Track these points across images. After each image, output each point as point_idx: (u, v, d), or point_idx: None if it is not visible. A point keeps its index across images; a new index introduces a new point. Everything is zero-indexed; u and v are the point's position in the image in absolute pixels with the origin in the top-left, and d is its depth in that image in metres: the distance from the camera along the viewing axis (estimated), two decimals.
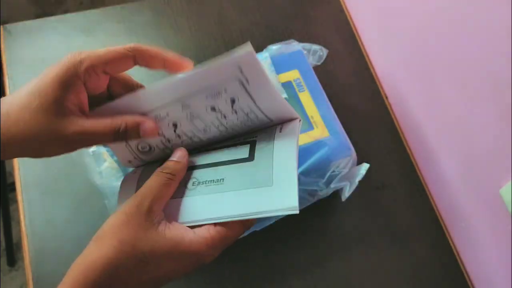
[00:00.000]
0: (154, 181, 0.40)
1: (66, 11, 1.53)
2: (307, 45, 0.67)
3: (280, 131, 0.43)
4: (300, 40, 0.68)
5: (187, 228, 0.39)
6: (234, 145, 0.44)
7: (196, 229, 0.39)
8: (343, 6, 0.84)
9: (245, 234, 0.45)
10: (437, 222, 0.70)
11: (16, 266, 1.30)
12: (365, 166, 0.59)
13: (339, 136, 0.60)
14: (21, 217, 0.62)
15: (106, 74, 0.41)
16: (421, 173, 0.73)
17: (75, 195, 0.64)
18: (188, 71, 0.40)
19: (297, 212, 0.38)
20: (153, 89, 0.42)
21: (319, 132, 0.59)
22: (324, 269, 0.64)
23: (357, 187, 0.59)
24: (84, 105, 0.40)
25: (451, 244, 0.69)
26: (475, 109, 0.58)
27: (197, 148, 0.46)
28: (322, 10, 0.83)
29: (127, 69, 0.42)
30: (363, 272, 0.65)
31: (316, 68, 0.65)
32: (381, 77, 0.79)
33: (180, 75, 0.40)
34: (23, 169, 0.65)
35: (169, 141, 0.44)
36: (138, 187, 0.45)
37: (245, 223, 0.40)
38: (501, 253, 0.60)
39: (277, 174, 0.40)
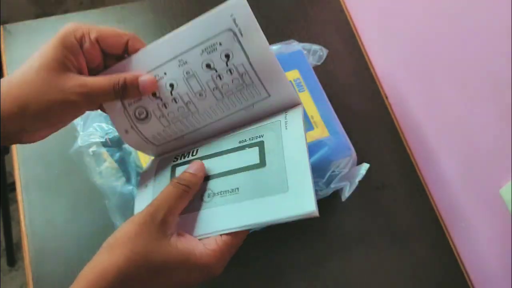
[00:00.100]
0: (169, 192, 0.40)
1: (66, 11, 1.53)
2: (307, 45, 0.67)
3: (286, 128, 0.43)
4: (300, 40, 0.68)
5: (197, 240, 0.40)
6: (242, 147, 0.44)
7: (205, 241, 0.40)
8: (343, 6, 0.84)
9: None
10: (437, 222, 0.70)
11: (16, 266, 1.30)
12: (365, 166, 0.59)
13: (339, 136, 0.60)
14: (21, 217, 0.62)
15: (99, 45, 0.42)
16: (421, 173, 0.73)
17: (75, 195, 0.64)
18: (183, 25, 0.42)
19: (317, 215, 0.38)
20: (151, 47, 0.43)
21: (319, 132, 0.59)
22: (324, 269, 0.64)
23: (357, 187, 0.59)
24: (83, 69, 0.41)
25: (451, 244, 0.69)
26: (475, 109, 0.58)
27: (197, 131, 0.46)
28: (322, 10, 0.83)
29: (118, 49, 0.43)
30: (363, 272, 0.65)
31: (316, 68, 0.65)
32: (381, 77, 0.80)
33: (175, 30, 0.42)
34: (23, 169, 0.65)
35: (165, 106, 0.44)
36: (155, 192, 0.45)
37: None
38: (501, 253, 0.60)
39: (291, 178, 0.40)
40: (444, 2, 0.60)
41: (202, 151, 0.46)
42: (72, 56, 0.40)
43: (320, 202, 0.62)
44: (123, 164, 0.57)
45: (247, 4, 0.39)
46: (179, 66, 0.43)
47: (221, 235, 0.40)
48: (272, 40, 0.69)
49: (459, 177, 0.66)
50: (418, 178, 0.72)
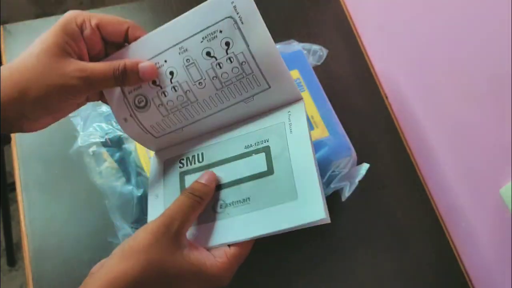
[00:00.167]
0: (183, 202, 0.40)
1: (66, 11, 1.53)
2: (307, 45, 0.67)
3: (291, 132, 0.43)
4: (300, 40, 0.68)
5: (208, 252, 0.40)
6: (249, 153, 0.44)
7: (215, 253, 0.40)
8: (343, 6, 0.84)
9: None
10: (437, 222, 0.70)
11: (16, 266, 1.30)
12: (365, 166, 0.59)
13: (339, 136, 0.60)
14: (21, 217, 0.62)
15: (99, 32, 0.42)
16: (421, 173, 0.73)
17: (75, 195, 0.64)
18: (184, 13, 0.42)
19: (329, 221, 0.39)
20: (151, 35, 0.43)
21: (319, 132, 0.59)
22: (324, 269, 0.64)
23: (357, 187, 0.59)
24: (84, 55, 0.42)
25: (451, 244, 0.69)
26: (475, 109, 0.58)
27: (196, 123, 0.46)
28: (322, 10, 0.83)
29: (118, 37, 0.43)
30: (363, 272, 0.65)
31: (316, 68, 0.65)
32: (381, 77, 0.79)
33: (176, 18, 0.42)
34: (23, 169, 0.65)
35: (164, 94, 0.44)
36: (165, 201, 0.45)
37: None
38: (501, 253, 0.60)
39: (300, 186, 0.41)
40: (444, 2, 0.60)
41: (208, 157, 0.46)
42: (73, 42, 0.40)
43: None
44: (123, 164, 0.57)
45: None
46: (179, 53, 0.43)
47: (229, 245, 0.41)
48: None
49: (459, 177, 0.66)
50: (418, 178, 0.72)
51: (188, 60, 0.43)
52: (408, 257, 0.66)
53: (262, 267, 0.62)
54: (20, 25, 0.74)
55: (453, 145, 0.66)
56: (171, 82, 0.43)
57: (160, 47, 0.43)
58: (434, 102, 0.67)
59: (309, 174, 0.41)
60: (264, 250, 0.63)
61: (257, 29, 0.41)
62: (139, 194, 0.55)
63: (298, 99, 0.44)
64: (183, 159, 0.47)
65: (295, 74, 0.63)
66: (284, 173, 0.42)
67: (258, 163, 0.43)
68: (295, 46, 0.66)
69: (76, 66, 0.39)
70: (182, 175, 0.46)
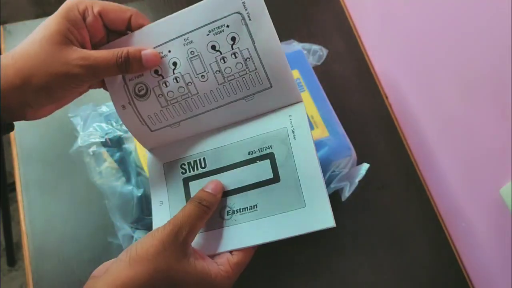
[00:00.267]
0: (191, 211, 0.40)
1: None
2: (307, 45, 0.67)
3: (295, 138, 0.43)
4: (300, 40, 0.68)
5: (212, 260, 0.41)
6: (253, 160, 0.44)
7: (218, 261, 0.41)
8: (343, 6, 0.84)
9: None
10: (437, 222, 0.70)
11: (16, 266, 1.30)
12: (365, 166, 0.59)
13: (339, 136, 0.60)
14: (21, 217, 0.62)
15: (102, 20, 0.42)
16: (421, 173, 0.73)
17: (75, 195, 0.64)
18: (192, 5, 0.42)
19: (334, 226, 0.40)
20: (156, 24, 0.43)
21: (319, 132, 0.59)
22: (324, 269, 0.64)
23: (357, 187, 0.59)
24: (87, 43, 0.41)
25: (451, 244, 0.69)
26: (475, 109, 0.58)
27: (195, 119, 0.45)
28: (322, 10, 0.83)
29: (121, 25, 0.43)
30: (363, 272, 0.65)
31: (316, 68, 0.65)
32: (381, 77, 0.80)
33: (184, 9, 0.42)
34: (23, 169, 0.65)
35: (166, 84, 0.44)
36: (171, 207, 0.45)
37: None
38: (501, 253, 0.60)
39: (307, 193, 0.41)
40: (444, 2, 0.60)
41: (210, 162, 0.46)
42: (75, 29, 0.40)
43: None
44: (123, 164, 0.57)
45: None
46: (184, 45, 0.43)
47: (231, 253, 0.42)
48: None
49: (459, 177, 0.66)
50: (418, 178, 0.72)
51: (192, 52, 0.43)
52: (408, 256, 0.66)
53: (261, 267, 0.62)
54: (20, 25, 0.74)
55: (453, 145, 0.66)
56: (174, 73, 0.43)
57: (165, 36, 0.43)
58: (434, 102, 0.67)
59: (316, 182, 0.41)
60: (264, 250, 0.63)
61: (264, 27, 0.41)
62: (139, 194, 0.55)
63: (298, 101, 0.44)
64: (184, 164, 0.46)
65: (295, 74, 0.63)
66: (290, 181, 0.42)
67: (263, 170, 0.44)
68: (295, 46, 0.66)
69: (79, 54, 0.39)
70: (186, 181, 0.46)
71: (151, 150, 0.48)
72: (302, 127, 0.43)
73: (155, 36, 0.43)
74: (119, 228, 0.56)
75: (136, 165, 0.57)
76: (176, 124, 0.46)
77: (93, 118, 0.59)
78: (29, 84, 0.38)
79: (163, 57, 0.43)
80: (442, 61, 0.63)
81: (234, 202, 0.44)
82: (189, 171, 0.46)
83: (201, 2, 0.41)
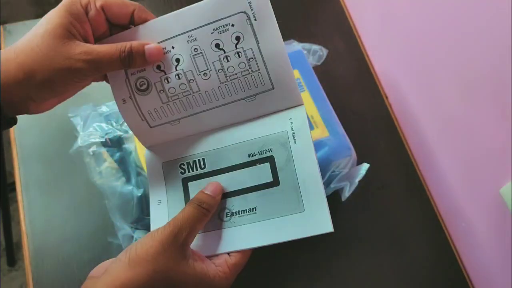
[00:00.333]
0: (190, 213, 0.40)
1: None
2: (307, 45, 0.67)
3: (295, 143, 0.43)
4: (300, 40, 0.68)
5: (210, 261, 0.41)
6: (253, 163, 0.44)
7: (216, 262, 0.41)
8: (343, 6, 0.84)
9: None
10: (437, 222, 0.70)
11: (16, 266, 1.30)
12: (365, 166, 0.59)
13: (339, 136, 0.60)
14: (21, 217, 0.62)
15: (104, 14, 0.41)
16: (421, 173, 0.73)
17: (75, 195, 0.64)
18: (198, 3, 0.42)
19: (332, 231, 0.40)
20: (161, 20, 0.43)
21: (319, 132, 0.59)
22: (323, 270, 0.64)
23: (357, 187, 0.59)
24: (89, 37, 0.41)
25: (451, 244, 0.69)
26: (475, 109, 0.58)
27: (195, 117, 0.45)
28: (322, 10, 0.83)
29: (123, 19, 0.43)
30: (363, 272, 0.65)
31: (316, 68, 0.65)
32: (381, 77, 0.80)
33: (189, 6, 0.42)
34: (23, 169, 0.65)
35: (167, 80, 0.44)
36: (170, 207, 0.45)
37: None
38: (501, 253, 0.60)
39: (306, 198, 0.42)
40: (444, 2, 0.60)
41: (210, 163, 0.46)
42: (78, 23, 0.40)
43: None
44: (123, 164, 0.57)
45: None
46: (188, 42, 0.43)
47: (229, 254, 0.42)
48: None
49: (459, 177, 0.66)
50: (418, 178, 0.72)
51: (196, 50, 0.43)
52: (408, 257, 0.66)
53: (261, 268, 0.62)
54: (20, 25, 0.74)
55: (453, 145, 0.66)
56: (176, 69, 0.43)
57: (169, 32, 0.43)
58: (434, 102, 0.67)
59: (315, 187, 0.42)
60: (263, 252, 0.63)
61: (269, 28, 0.41)
62: (139, 194, 0.55)
63: (298, 105, 0.45)
64: (183, 164, 0.46)
65: (295, 74, 0.63)
66: (290, 185, 0.42)
67: (263, 173, 0.44)
68: (295, 46, 0.66)
69: (82, 49, 0.39)
70: (185, 181, 0.46)
71: (149, 148, 0.48)
72: (303, 131, 0.43)
73: (159, 32, 0.43)
74: (119, 228, 0.56)
75: (136, 165, 0.57)
76: (176, 121, 0.46)
77: (93, 118, 0.59)
78: (32, 78, 0.38)
79: (166, 53, 0.43)
80: (442, 61, 0.63)
81: (233, 204, 0.44)
82: (188, 171, 0.46)
83: (206, 0, 0.41)
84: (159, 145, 0.48)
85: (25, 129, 0.67)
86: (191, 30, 0.42)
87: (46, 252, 0.60)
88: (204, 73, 0.43)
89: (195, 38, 0.42)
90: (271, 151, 0.44)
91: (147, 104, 0.45)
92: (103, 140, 0.57)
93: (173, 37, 0.43)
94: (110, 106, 0.60)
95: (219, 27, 0.42)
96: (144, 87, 0.44)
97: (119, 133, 0.58)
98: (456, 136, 0.64)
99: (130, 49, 0.41)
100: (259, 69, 0.43)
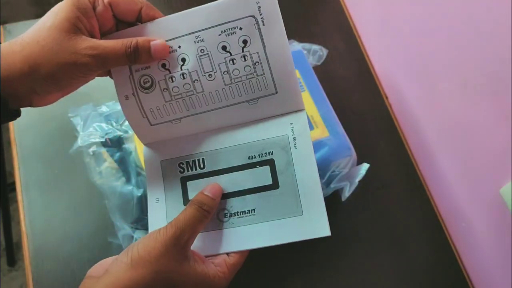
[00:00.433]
0: (192, 215, 0.40)
1: None
2: (307, 45, 0.67)
3: (296, 147, 0.44)
4: (300, 40, 0.68)
5: (210, 262, 0.41)
6: (253, 165, 0.44)
7: (215, 262, 0.41)
8: (343, 6, 0.84)
9: None
10: (437, 222, 0.70)
11: (16, 266, 1.30)
12: (365, 166, 0.59)
13: (339, 136, 0.60)
14: (21, 217, 0.62)
15: (111, 10, 0.41)
16: (421, 173, 0.73)
17: (75, 195, 0.64)
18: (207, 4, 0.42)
19: (330, 235, 0.41)
20: (168, 18, 0.43)
21: (319, 132, 0.59)
22: (324, 269, 0.64)
23: (357, 187, 0.59)
24: (96, 32, 0.41)
25: (451, 244, 0.69)
26: (475, 109, 0.58)
27: (196, 117, 0.45)
28: (322, 10, 0.83)
29: (131, 16, 0.43)
30: (363, 272, 0.65)
31: (316, 68, 0.65)
32: (381, 77, 0.80)
33: (198, 6, 0.42)
34: (23, 169, 0.65)
35: (172, 79, 0.44)
36: (168, 207, 0.45)
37: None
38: (501, 253, 0.60)
39: (305, 202, 0.42)
40: (444, 2, 0.60)
41: (210, 164, 0.46)
42: (85, 18, 0.39)
43: None
44: (123, 164, 0.57)
45: None
46: (195, 42, 0.43)
47: (228, 255, 0.42)
48: None
49: (459, 177, 0.66)
50: (418, 178, 0.72)
51: (202, 51, 0.43)
52: (408, 257, 0.66)
53: (261, 268, 0.62)
54: (20, 25, 0.74)
55: (453, 145, 0.66)
56: (181, 69, 0.43)
57: (176, 31, 0.43)
58: (434, 102, 0.67)
59: (314, 191, 0.42)
60: (263, 251, 0.63)
61: (277, 33, 0.41)
62: (139, 194, 0.55)
63: (300, 109, 0.45)
64: (182, 163, 0.46)
65: None
66: (289, 188, 0.43)
67: (262, 175, 0.44)
68: (295, 46, 0.66)
69: (88, 44, 0.39)
70: (184, 180, 0.46)
71: (147, 145, 0.48)
72: (303, 136, 0.44)
73: (166, 30, 0.43)
74: (119, 228, 0.56)
75: (136, 165, 0.57)
76: (177, 120, 0.46)
77: (93, 118, 0.59)
78: (37, 72, 0.38)
79: (172, 52, 0.43)
80: (442, 61, 0.63)
81: (232, 205, 0.44)
82: (188, 171, 0.46)
83: (216, 1, 0.42)
84: (158, 143, 0.48)
85: (25, 129, 0.67)
86: (198, 31, 0.42)
87: (46, 252, 0.60)
88: (209, 74, 0.43)
89: (202, 39, 0.42)
90: (271, 154, 0.44)
91: (149, 101, 0.45)
92: (103, 140, 0.57)
93: (180, 36, 0.43)
94: (110, 106, 0.60)
95: (227, 29, 0.42)
96: (148, 84, 0.44)
97: (119, 133, 0.58)
98: (456, 136, 0.64)
99: (136, 44, 0.40)
100: (264, 73, 0.43)
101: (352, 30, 0.82)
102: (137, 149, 0.57)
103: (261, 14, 0.41)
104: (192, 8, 0.42)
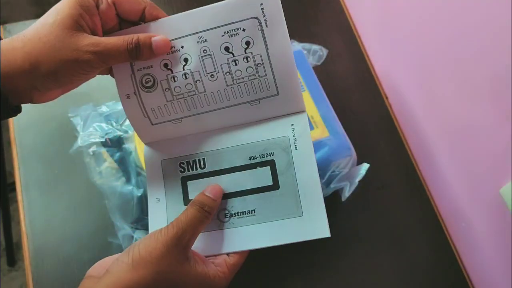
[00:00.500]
0: (193, 216, 0.40)
1: None
2: (307, 45, 0.67)
3: (296, 148, 0.44)
4: (300, 40, 0.68)
5: (210, 262, 0.41)
6: (254, 165, 0.45)
7: (215, 261, 0.42)
8: (343, 6, 0.84)
9: None
10: (437, 222, 0.70)
11: (16, 266, 1.30)
12: (365, 166, 0.59)
13: (339, 136, 0.60)
14: (21, 217, 0.62)
15: (115, 8, 0.41)
16: (421, 173, 0.73)
17: (75, 195, 0.64)
18: (211, 4, 0.42)
19: (329, 236, 0.41)
20: (171, 18, 0.43)
21: (319, 132, 0.59)
22: (324, 270, 0.64)
23: (357, 187, 0.59)
24: (98, 30, 0.41)
25: (451, 244, 0.69)
26: (475, 109, 0.58)
27: (198, 117, 0.45)
28: (322, 10, 0.83)
29: (134, 15, 0.43)
30: (363, 272, 0.65)
31: (316, 68, 0.65)
32: (381, 77, 0.80)
33: (202, 7, 0.42)
34: (23, 169, 0.65)
35: (174, 79, 0.44)
36: (168, 207, 0.45)
37: None
38: (501, 253, 0.60)
39: (305, 203, 0.43)
40: (444, 2, 0.60)
41: (210, 164, 0.46)
42: (88, 15, 0.39)
43: None
44: (123, 164, 0.57)
45: None
46: (197, 42, 0.43)
47: (228, 255, 0.42)
48: None
49: (459, 177, 0.66)
50: (418, 178, 0.72)
51: (205, 51, 0.43)
52: (408, 257, 0.66)
53: (261, 268, 0.62)
54: (20, 25, 0.74)
55: (453, 145, 0.66)
56: (183, 69, 0.44)
57: (179, 31, 0.43)
58: (434, 102, 0.67)
59: (314, 192, 0.42)
60: (263, 251, 0.63)
61: (280, 35, 0.42)
62: (139, 194, 0.55)
63: (301, 111, 0.45)
64: (183, 163, 0.46)
65: None
66: (289, 189, 0.43)
67: (263, 176, 0.44)
68: (295, 46, 0.66)
69: (90, 41, 0.39)
70: (184, 180, 0.46)
71: (148, 144, 0.48)
72: (304, 137, 0.44)
73: (169, 30, 0.43)
74: (119, 228, 0.56)
75: (136, 165, 0.57)
76: (178, 120, 0.46)
77: (93, 118, 0.59)
78: (38, 69, 0.38)
79: (175, 52, 0.43)
80: (442, 61, 0.63)
81: (233, 205, 0.44)
82: (188, 170, 0.46)
83: (220, 2, 0.42)
84: (159, 142, 0.48)
85: (25, 129, 0.67)
86: (201, 31, 0.42)
87: (46, 252, 0.60)
88: (211, 75, 0.44)
89: (205, 40, 0.43)
90: (272, 155, 0.44)
91: (151, 101, 0.45)
92: (103, 140, 0.57)
93: (183, 36, 0.43)
94: (110, 106, 0.60)
95: (230, 30, 0.42)
96: (149, 84, 0.44)
97: (119, 133, 0.58)
98: (456, 136, 0.64)
99: (137, 40, 0.40)
100: (266, 75, 0.43)
101: (352, 30, 0.82)
102: (137, 149, 0.57)
103: (264, 16, 0.41)
104: (196, 9, 0.42)
